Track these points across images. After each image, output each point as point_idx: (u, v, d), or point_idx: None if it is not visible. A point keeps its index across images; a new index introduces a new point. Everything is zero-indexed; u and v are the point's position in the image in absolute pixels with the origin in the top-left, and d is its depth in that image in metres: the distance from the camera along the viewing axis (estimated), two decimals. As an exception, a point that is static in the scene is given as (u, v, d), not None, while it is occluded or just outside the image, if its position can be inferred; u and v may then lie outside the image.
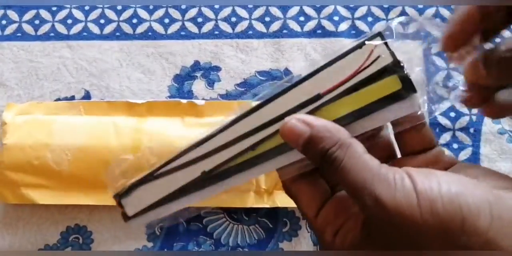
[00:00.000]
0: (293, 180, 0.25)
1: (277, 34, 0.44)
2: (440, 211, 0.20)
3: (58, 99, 0.42)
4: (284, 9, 0.45)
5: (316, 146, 0.22)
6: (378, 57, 0.24)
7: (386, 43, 0.24)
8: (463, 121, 0.41)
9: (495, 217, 0.20)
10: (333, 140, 0.22)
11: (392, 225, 0.20)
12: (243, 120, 0.25)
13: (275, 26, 0.44)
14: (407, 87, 0.24)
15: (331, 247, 0.23)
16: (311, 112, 0.24)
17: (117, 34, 0.45)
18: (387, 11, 0.44)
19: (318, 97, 0.24)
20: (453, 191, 0.20)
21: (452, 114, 0.41)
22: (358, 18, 0.44)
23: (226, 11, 0.45)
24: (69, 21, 0.45)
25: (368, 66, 0.24)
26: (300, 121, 0.23)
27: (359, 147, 0.22)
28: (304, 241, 0.38)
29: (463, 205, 0.20)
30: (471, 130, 0.41)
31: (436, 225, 0.20)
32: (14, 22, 0.45)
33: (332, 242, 0.23)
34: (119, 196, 0.27)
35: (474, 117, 0.41)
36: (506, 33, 0.28)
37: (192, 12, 0.45)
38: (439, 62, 0.43)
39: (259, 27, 0.44)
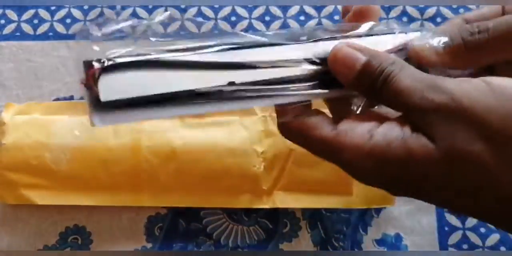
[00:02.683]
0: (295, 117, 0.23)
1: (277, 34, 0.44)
2: None
3: (57, 99, 0.42)
4: (284, 8, 0.45)
5: (374, 69, 0.21)
6: None
7: None
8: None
9: None
10: (389, 61, 0.22)
11: (459, 112, 0.19)
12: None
13: (275, 26, 0.44)
14: None
15: (361, 151, 0.21)
16: None
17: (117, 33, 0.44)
18: (387, 10, 0.44)
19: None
20: None
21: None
22: (359, 18, 0.44)
23: (226, 11, 0.45)
24: (68, 21, 0.45)
25: None
26: (352, 48, 0.22)
27: (412, 66, 0.22)
28: (304, 242, 0.38)
29: None
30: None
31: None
32: (13, 21, 0.45)
33: (364, 144, 0.21)
34: (100, 70, 0.19)
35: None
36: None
37: (192, 12, 0.45)
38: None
39: (259, 26, 0.44)
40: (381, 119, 0.22)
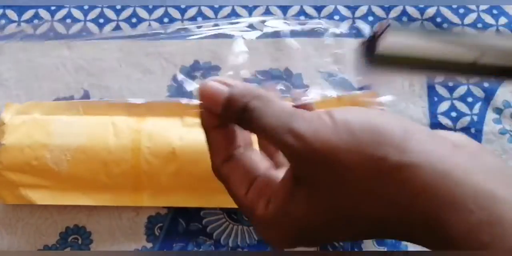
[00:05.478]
0: (224, 161, 0.25)
1: (277, 34, 0.44)
2: (356, 128, 0.21)
3: (57, 99, 0.42)
4: (284, 8, 0.45)
5: (237, 101, 0.23)
6: None
7: None
8: (464, 121, 0.41)
9: (408, 130, 0.21)
10: (252, 94, 0.23)
11: (317, 158, 0.21)
12: None
13: (275, 26, 0.44)
14: None
15: (264, 219, 0.23)
16: None
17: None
18: (387, 10, 0.44)
19: None
20: (366, 114, 0.22)
21: (454, 114, 0.41)
22: (359, 18, 0.44)
23: (226, 11, 0.45)
24: (68, 21, 0.45)
25: None
26: (218, 82, 0.23)
27: (275, 96, 0.23)
28: (304, 241, 0.38)
29: (378, 123, 0.21)
30: (472, 130, 0.40)
31: (353, 141, 0.21)
32: (13, 21, 0.45)
33: (265, 214, 0.23)
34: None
35: (475, 117, 0.41)
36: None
37: (192, 12, 0.45)
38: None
39: (259, 26, 0.44)
40: (278, 182, 0.24)
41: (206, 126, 0.25)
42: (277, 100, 0.23)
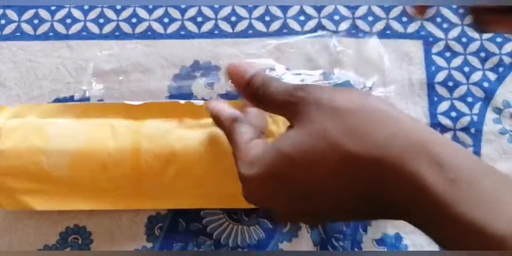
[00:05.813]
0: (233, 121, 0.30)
1: (277, 34, 0.44)
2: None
3: (57, 99, 0.42)
4: (284, 8, 0.45)
5: (260, 76, 0.28)
6: None
7: None
8: (464, 121, 0.41)
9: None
10: (267, 77, 0.28)
11: (317, 102, 0.25)
12: None
13: (275, 26, 0.44)
14: None
15: (251, 159, 0.26)
16: None
17: (117, 33, 0.44)
18: (387, 10, 0.44)
19: None
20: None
21: (453, 114, 0.41)
22: (359, 18, 0.44)
23: (226, 11, 0.45)
24: (68, 21, 0.45)
25: None
26: (245, 63, 0.29)
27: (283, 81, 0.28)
28: (304, 241, 0.38)
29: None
30: (472, 130, 0.41)
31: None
32: (13, 21, 0.45)
33: (254, 156, 0.26)
34: None
35: (475, 117, 0.41)
36: None
37: (192, 12, 0.45)
38: (440, 61, 0.43)
39: (259, 26, 0.44)
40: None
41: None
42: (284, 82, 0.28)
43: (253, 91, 0.28)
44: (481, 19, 0.26)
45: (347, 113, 0.23)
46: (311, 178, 0.24)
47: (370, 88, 0.41)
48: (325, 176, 0.23)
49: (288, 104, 0.26)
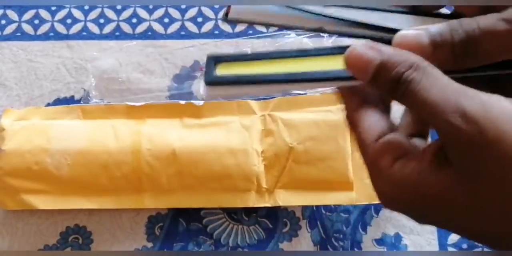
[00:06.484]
0: (356, 108, 0.23)
1: (277, 34, 0.44)
2: None
3: (58, 99, 0.42)
4: (284, 8, 0.45)
5: (389, 72, 0.20)
6: None
7: None
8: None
9: None
10: (407, 63, 0.20)
11: (483, 146, 0.18)
12: None
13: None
14: None
15: (385, 173, 0.21)
16: None
17: (117, 33, 0.44)
18: (387, 10, 0.44)
19: None
20: None
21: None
22: (359, 18, 0.44)
23: (226, 11, 0.45)
24: (69, 21, 0.45)
25: None
26: (367, 47, 0.20)
27: (436, 69, 0.20)
28: (304, 241, 0.38)
29: None
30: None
31: None
32: (14, 22, 0.45)
33: (388, 167, 0.21)
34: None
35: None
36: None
37: (192, 12, 0.45)
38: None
39: (259, 26, 0.44)
40: (414, 147, 0.22)
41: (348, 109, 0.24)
42: (437, 72, 0.20)
43: (388, 87, 0.21)
44: None
45: None
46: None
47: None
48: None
49: (449, 129, 0.19)
